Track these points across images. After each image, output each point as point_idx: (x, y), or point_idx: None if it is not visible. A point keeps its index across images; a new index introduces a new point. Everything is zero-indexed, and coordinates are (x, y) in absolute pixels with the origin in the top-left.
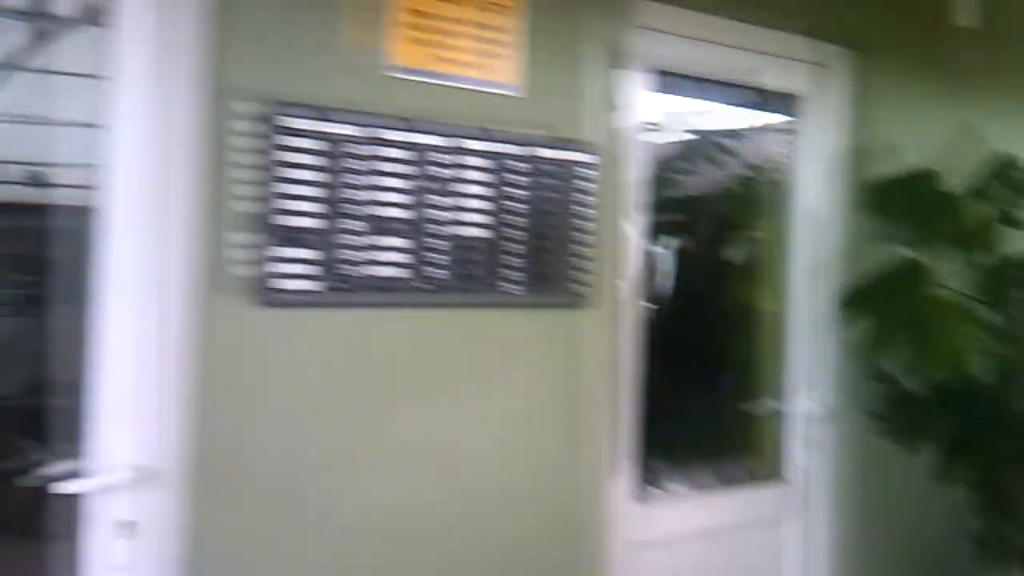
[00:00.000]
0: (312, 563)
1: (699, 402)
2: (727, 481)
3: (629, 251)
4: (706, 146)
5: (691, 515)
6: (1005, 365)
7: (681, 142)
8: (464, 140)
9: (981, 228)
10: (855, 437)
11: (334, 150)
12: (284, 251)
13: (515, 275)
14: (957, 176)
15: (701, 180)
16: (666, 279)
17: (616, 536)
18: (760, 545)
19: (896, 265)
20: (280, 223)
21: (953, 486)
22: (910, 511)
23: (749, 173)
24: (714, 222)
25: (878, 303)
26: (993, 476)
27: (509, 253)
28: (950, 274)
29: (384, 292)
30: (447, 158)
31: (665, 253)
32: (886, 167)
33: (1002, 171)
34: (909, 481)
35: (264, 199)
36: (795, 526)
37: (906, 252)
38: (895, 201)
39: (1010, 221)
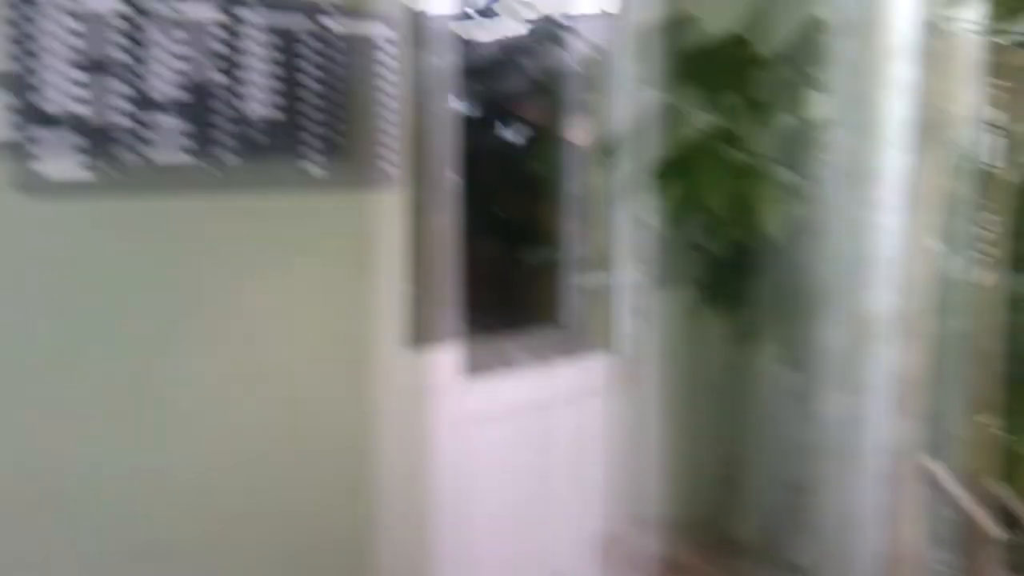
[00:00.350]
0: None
1: (527, 276)
2: (551, 352)
3: (445, 128)
4: (538, 31)
5: (518, 388)
6: (800, 224)
7: (513, 30)
8: (239, 8)
9: (785, 91)
10: (678, 305)
11: (90, 24)
12: (43, 132)
13: (313, 154)
14: (768, 41)
15: (534, 64)
16: (500, 159)
17: (439, 410)
18: (587, 413)
19: (702, 132)
20: (37, 102)
21: (761, 346)
22: (731, 372)
23: (578, 53)
24: (547, 103)
25: (684, 170)
26: (794, 334)
27: (305, 131)
28: (753, 138)
29: (163, 175)
30: (222, 32)
31: (496, 132)
32: (698, 37)
33: (808, 34)
34: (730, 343)
35: (19, 77)
36: (621, 393)
37: (713, 119)
38: (704, 69)
39: (814, 84)
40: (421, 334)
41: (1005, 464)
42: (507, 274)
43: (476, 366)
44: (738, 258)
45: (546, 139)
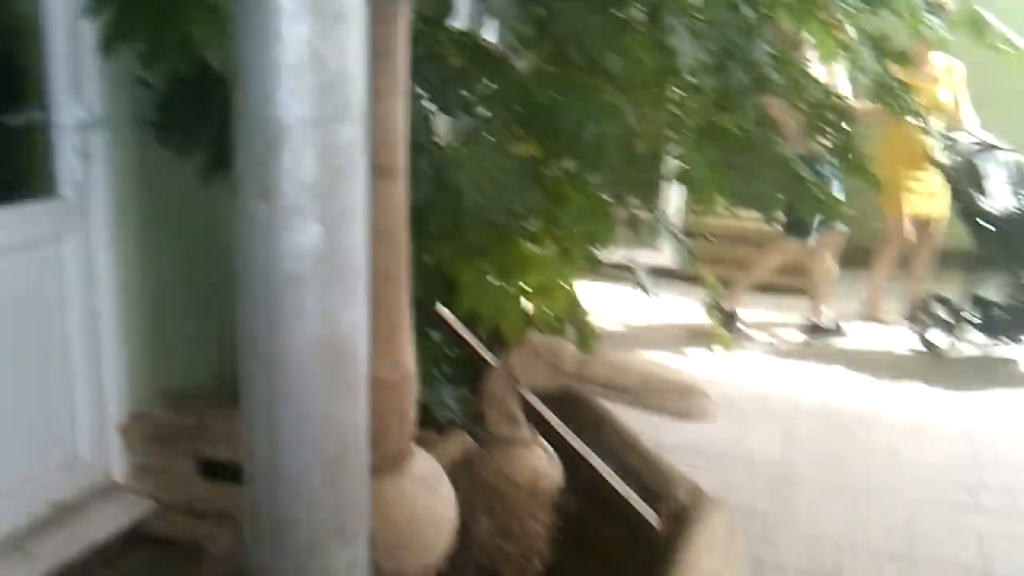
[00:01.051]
0: None
1: None
2: None
3: None
4: None
5: None
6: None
7: None
8: None
9: None
10: (132, 145)
11: None
12: None
13: None
14: None
15: None
16: None
17: None
18: (33, 264)
19: None
20: None
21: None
22: (195, 215)
23: None
24: None
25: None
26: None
27: None
28: None
29: None
30: None
31: None
32: None
33: None
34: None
35: None
36: (72, 242)
37: None
38: None
39: None
40: None
41: (496, 303)
42: None
43: None
44: (190, 91)
45: None
